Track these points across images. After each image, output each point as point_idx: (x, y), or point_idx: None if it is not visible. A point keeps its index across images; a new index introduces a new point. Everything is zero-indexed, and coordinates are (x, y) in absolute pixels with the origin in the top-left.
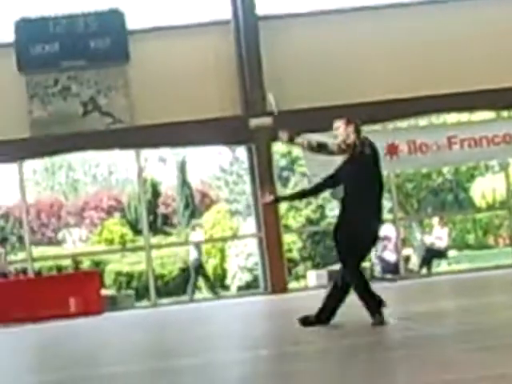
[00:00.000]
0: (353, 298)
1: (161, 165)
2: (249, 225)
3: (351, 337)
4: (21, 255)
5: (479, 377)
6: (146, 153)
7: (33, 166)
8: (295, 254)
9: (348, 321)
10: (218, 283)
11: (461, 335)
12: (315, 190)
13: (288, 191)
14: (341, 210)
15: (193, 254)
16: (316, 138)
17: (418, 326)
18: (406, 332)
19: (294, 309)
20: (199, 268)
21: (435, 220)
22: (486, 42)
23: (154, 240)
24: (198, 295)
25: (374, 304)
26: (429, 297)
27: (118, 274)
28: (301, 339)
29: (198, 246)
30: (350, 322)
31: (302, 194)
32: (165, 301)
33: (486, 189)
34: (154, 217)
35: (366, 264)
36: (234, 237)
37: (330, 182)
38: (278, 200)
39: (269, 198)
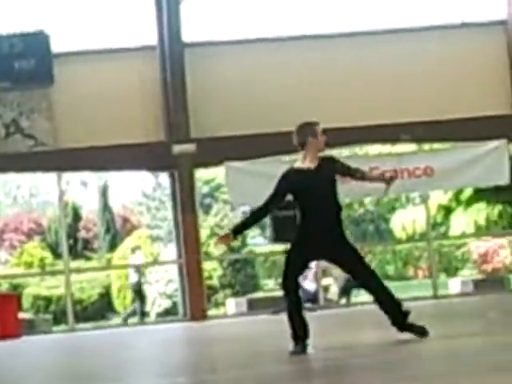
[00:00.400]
0: (274, 328)
1: (82, 188)
2: (170, 251)
3: (270, 365)
4: None
5: None
6: (68, 176)
7: None
8: (215, 282)
9: (267, 349)
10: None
11: (379, 365)
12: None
13: (210, 218)
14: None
15: (133, 277)
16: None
17: (337, 355)
18: (325, 362)
19: (213, 336)
20: (140, 291)
21: None
22: (408, 74)
23: (74, 264)
24: (116, 320)
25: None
26: (348, 327)
27: (37, 297)
28: (218, 367)
29: (138, 269)
30: (269, 351)
31: (253, 218)
32: (83, 325)
33: (406, 220)
34: (74, 241)
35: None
36: (155, 262)
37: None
38: (235, 234)
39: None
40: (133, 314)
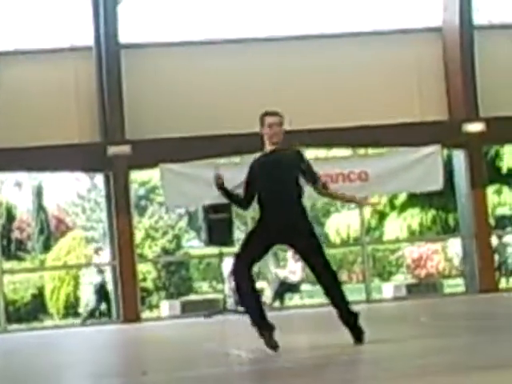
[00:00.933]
0: (207, 330)
1: (16, 189)
2: (104, 253)
3: (202, 368)
4: None
5: None
6: (2, 176)
7: None
8: (149, 284)
9: (200, 352)
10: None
11: (310, 368)
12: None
13: (144, 220)
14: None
15: (96, 279)
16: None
17: (267, 358)
18: (253, 366)
19: (146, 338)
20: (102, 292)
21: (289, 254)
22: (344, 79)
23: (7, 265)
24: (48, 322)
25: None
26: (281, 330)
27: None
28: (149, 369)
29: (101, 269)
30: (202, 354)
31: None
32: (15, 326)
33: (340, 225)
34: (7, 241)
35: (219, 296)
36: (89, 264)
37: None
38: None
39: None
40: (91, 314)
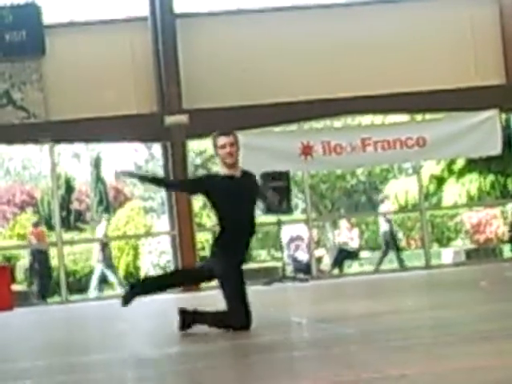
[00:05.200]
0: (267, 298)
1: (75, 160)
2: (162, 222)
3: (262, 335)
4: None
5: (382, 377)
6: (60, 148)
7: None
8: (208, 253)
9: (262, 320)
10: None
11: (370, 335)
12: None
13: None
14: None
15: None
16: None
17: (328, 325)
18: (316, 332)
19: (204, 307)
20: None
21: (346, 221)
22: (401, 44)
23: (67, 236)
24: (109, 292)
25: None
26: (340, 297)
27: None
28: (207, 338)
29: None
30: (265, 320)
31: (158, 182)
32: (76, 297)
33: (398, 191)
34: (67, 213)
35: (278, 264)
36: (148, 234)
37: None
38: (131, 175)
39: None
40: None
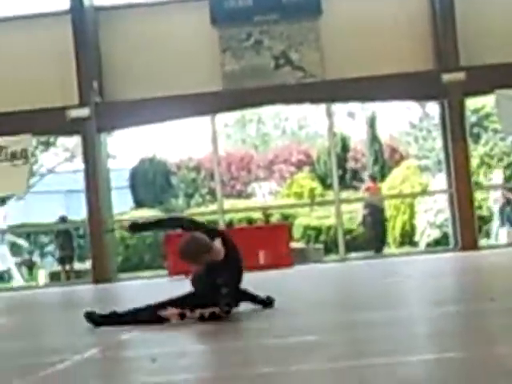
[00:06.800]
0: None
1: (350, 119)
2: (438, 181)
3: None
4: (212, 207)
5: None
6: (335, 107)
7: (224, 119)
8: (486, 212)
9: None
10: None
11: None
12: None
13: (479, 148)
14: None
15: None
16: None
17: None
18: None
19: (485, 266)
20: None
21: None
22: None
23: (343, 195)
24: (386, 250)
25: None
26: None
27: (307, 227)
28: (497, 296)
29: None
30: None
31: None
32: (353, 255)
33: None
34: (342, 171)
35: None
36: (424, 193)
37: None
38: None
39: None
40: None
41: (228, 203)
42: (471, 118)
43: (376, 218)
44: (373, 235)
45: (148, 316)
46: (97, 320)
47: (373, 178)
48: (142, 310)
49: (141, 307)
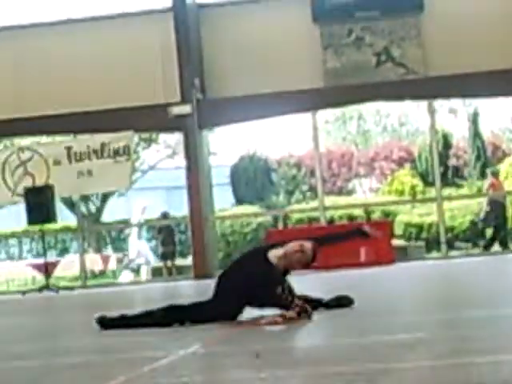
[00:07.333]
0: None
1: (451, 116)
2: None
3: None
4: (312, 204)
5: None
6: (436, 104)
7: (325, 115)
8: None
9: None
10: None
11: None
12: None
13: None
14: None
15: None
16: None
17: None
18: None
19: None
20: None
21: None
22: None
23: (445, 192)
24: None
25: None
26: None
27: (408, 224)
28: None
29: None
30: None
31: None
32: (455, 253)
33: None
34: (444, 168)
35: None
36: None
37: None
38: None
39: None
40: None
41: (329, 200)
42: None
43: (498, 214)
44: (491, 232)
45: (156, 319)
46: (107, 323)
47: (495, 174)
48: (152, 312)
49: (152, 310)
